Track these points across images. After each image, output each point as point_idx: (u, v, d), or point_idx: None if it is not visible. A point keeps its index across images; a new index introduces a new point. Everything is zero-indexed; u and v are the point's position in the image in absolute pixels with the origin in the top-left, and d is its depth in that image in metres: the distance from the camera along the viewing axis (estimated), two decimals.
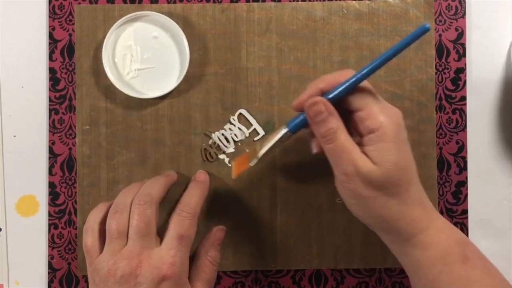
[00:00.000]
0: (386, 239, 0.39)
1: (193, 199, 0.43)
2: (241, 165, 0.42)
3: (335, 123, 0.36)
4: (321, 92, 0.38)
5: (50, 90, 0.48)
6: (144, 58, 0.47)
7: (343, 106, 0.37)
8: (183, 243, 0.40)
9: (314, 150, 0.41)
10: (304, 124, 0.38)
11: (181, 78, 0.46)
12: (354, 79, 0.36)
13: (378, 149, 0.36)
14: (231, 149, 0.48)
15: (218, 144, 0.48)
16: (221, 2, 0.49)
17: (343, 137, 0.36)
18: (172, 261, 0.39)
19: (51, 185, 0.48)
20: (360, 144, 0.37)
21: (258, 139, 0.48)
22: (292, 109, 0.39)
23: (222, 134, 0.48)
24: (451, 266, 0.36)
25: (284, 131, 0.39)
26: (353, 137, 0.37)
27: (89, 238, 0.41)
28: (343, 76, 0.37)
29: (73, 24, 0.48)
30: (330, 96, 0.37)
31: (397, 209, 0.37)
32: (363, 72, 0.36)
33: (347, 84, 0.37)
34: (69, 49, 0.48)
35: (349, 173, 0.36)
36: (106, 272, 0.38)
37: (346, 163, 0.36)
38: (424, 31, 0.36)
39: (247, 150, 0.48)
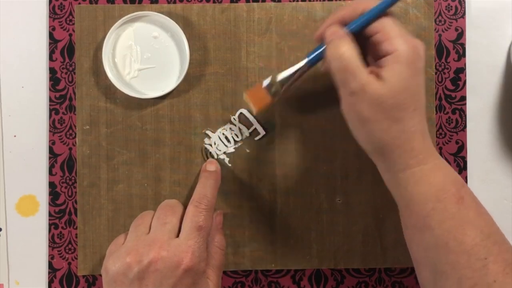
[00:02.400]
0: (382, 167, 0.39)
1: (208, 191, 0.44)
2: (260, 99, 0.41)
3: (343, 43, 0.37)
4: (341, 22, 0.38)
5: (50, 90, 0.48)
6: (144, 58, 0.47)
7: (362, 32, 0.38)
8: (201, 234, 0.41)
9: (323, 68, 0.42)
10: (322, 56, 0.39)
11: (181, 78, 0.46)
12: (374, 11, 0.37)
13: (391, 69, 0.36)
14: (231, 149, 0.48)
15: (218, 144, 0.48)
16: (221, 2, 0.49)
17: (351, 55, 0.36)
18: (192, 250, 0.40)
19: (51, 185, 0.48)
20: (375, 66, 0.37)
21: (259, 138, 0.48)
22: (314, 40, 0.40)
23: (223, 134, 0.48)
24: (445, 203, 0.36)
25: (305, 60, 0.40)
26: (370, 65, 0.38)
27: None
28: (364, 5, 0.38)
29: (73, 24, 0.48)
30: (351, 28, 0.38)
31: (397, 136, 0.36)
32: (384, 3, 0.37)
33: (366, 17, 0.37)
34: (69, 49, 0.48)
35: (354, 92, 0.36)
36: (127, 259, 0.39)
37: (352, 81, 0.36)
38: None
39: (247, 151, 0.48)
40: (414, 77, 0.36)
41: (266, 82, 0.41)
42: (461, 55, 0.49)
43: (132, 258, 0.39)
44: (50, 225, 0.49)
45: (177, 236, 0.41)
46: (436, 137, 0.49)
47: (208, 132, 0.48)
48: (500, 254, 0.35)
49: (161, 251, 0.39)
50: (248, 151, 0.48)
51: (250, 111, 0.47)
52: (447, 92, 0.49)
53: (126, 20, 0.46)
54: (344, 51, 0.36)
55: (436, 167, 0.37)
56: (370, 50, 0.39)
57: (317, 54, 0.40)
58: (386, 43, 0.37)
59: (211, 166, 0.46)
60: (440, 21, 0.49)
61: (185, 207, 0.44)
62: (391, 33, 0.37)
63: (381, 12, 0.37)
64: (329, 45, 0.37)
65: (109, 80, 0.47)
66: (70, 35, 0.48)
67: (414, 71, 0.36)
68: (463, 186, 0.37)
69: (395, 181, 0.38)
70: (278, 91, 0.41)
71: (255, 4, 0.48)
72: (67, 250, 0.49)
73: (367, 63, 0.37)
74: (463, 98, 0.49)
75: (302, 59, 0.40)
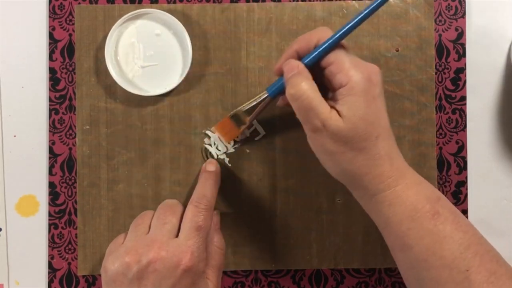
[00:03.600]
0: (355, 194, 0.40)
1: (208, 190, 0.44)
2: (228, 131, 0.45)
3: (303, 81, 0.37)
4: (298, 54, 0.39)
5: (50, 90, 0.48)
6: (147, 55, 0.47)
7: (318, 63, 0.38)
8: (200, 234, 0.41)
9: (278, 103, 0.43)
10: (282, 88, 0.40)
11: (183, 76, 0.46)
12: (327, 43, 0.38)
13: (346, 102, 0.36)
14: (231, 149, 0.48)
15: (218, 144, 0.48)
16: (221, 2, 0.49)
17: (312, 94, 0.37)
18: (191, 250, 0.40)
19: (51, 185, 0.48)
20: (332, 100, 0.38)
21: (259, 138, 0.48)
22: (274, 74, 0.41)
23: None
24: (420, 222, 0.36)
25: (264, 95, 0.42)
26: (329, 94, 0.39)
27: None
28: (317, 36, 0.38)
29: (73, 24, 0.48)
30: (306, 61, 0.38)
31: (363, 164, 0.37)
32: (337, 35, 0.38)
33: (319, 49, 0.38)
34: (69, 49, 0.48)
35: (317, 129, 0.37)
36: (126, 258, 0.39)
37: (314, 119, 0.37)
38: None
39: (247, 151, 0.48)
40: (370, 105, 0.37)
41: (231, 114, 0.44)
42: (461, 55, 0.49)
43: (132, 258, 0.39)
44: (50, 225, 0.49)
45: (177, 236, 0.41)
46: (436, 137, 0.49)
47: (208, 132, 0.48)
48: (482, 264, 0.35)
49: (161, 251, 0.39)
50: (248, 151, 0.48)
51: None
52: (447, 92, 0.49)
53: (128, 18, 0.46)
54: (305, 89, 0.37)
55: (406, 186, 0.37)
56: (326, 81, 0.39)
57: (277, 88, 0.41)
58: (340, 75, 0.37)
59: (211, 166, 0.46)
60: (440, 21, 0.49)
61: (185, 207, 0.44)
62: (344, 65, 0.37)
63: (335, 44, 0.38)
64: (288, 83, 0.38)
65: (109, 80, 0.47)
66: (70, 35, 0.48)
67: (369, 100, 0.36)
68: (438, 200, 0.37)
69: (370, 206, 0.39)
70: (244, 122, 0.44)
71: (255, 4, 0.48)
72: (67, 250, 0.49)
73: (324, 95, 0.38)
74: (463, 98, 0.49)
75: (262, 93, 0.42)
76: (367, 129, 0.36)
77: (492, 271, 0.35)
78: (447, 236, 0.36)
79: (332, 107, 0.37)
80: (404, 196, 0.37)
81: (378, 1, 0.37)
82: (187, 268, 0.39)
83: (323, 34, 0.38)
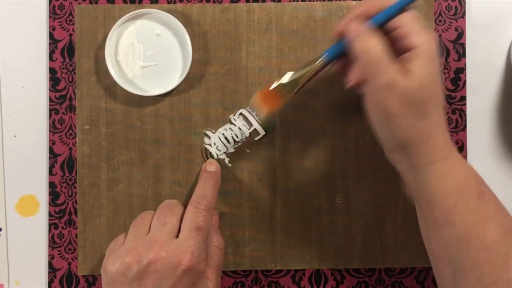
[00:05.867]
0: (404, 165, 0.39)
1: (208, 191, 0.44)
2: (271, 101, 0.41)
3: (372, 37, 0.36)
4: (363, 16, 0.38)
5: (50, 90, 0.48)
6: (147, 55, 0.47)
7: (381, 28, 0.38)
8: (200, 234, 0.41)
9: (351, 82, 0.38)
10: (344, 50, 0.38)
11: (184, 76, 0.46)
12: (396, 5, 0.37)
13: (417, 63, 0.36)
14: (231, 149, 0.48)
15: (218, 144, 0.48)
16: (221, 2, 0.49)
17: (381, 49, 0.36)
18: (191, 251, 0.40)
19: (51, 185, 0.48)
20: (405, 60, 0.37)
21: (259, 138, 0.48)
22: (333, 37, 0.39)
23: (223, 134, 0.48)
24: (466, 199, 0.36)
25: (322, 57, 0.39)
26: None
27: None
28: (383, 1, 0.38)
29: (73, 24, 0.48)
30: (374, 21, 0.37)
31: (423, 130, 0.36)
32: (403, 1, 0.37)
33: (389, 11, 0.37)
34: (69, 49, 0.48)
35: (386, 84, 0.36)
36: (126, 258, 0.39)
37: (384, 73, 0.36)
38: None
39: (247, 151, 0.48)
40: (437, 72, 0.37)
41: (276, 83, 0.40)
42: (461, 55, 0.49)
43: (132, 258, 0.39)
44: (50, 225, 0.49)
45: (177, 236, 0.41)
46: None
47: (208, 132, 0.48)
48: None
49: (161, 251, 0.39)
50: (248, 151, 0.48)
51: (251, 111, 0.46)
52: (447, 92, 0.49)
53: (128, 18, 0.46)
54: (373, 45, 0.36)
55: (458, 162, 0.37)
56: (392, 45, 0.38)
57: (337, 50, 0.39)
58: (409, 38, 0.36)
59: (211, 166, 0.46)
60: (440, 21, 0.49)
61: (185, 207, 0.44)
62: (412, 28, 0.37)
63: (403, 8, 0.37)
64: (356, 39, 0.37)
65: (109, 80, 0.47)
66: (70, 35, 0.48)
67: (436, 66, 0.36)
68: (482, 182, 0.38)
69: (418, 177, 0.38)
70: (289, 92, 0.40)
71: (255, 4, 0.48)
72: (67, 250, 0.49)
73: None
74: (463, 98, 0.49)
75: (314, 59, 0.40)
76: (433, 94, 0.36)
77: None
78: (490, 217, 0.36)
79: (399, 67, 0.36)
80: (454, 171, 0.37)
81: None
82: (187, 268, 0.39)
83: (388, 0, 0.38)
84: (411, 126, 0.36)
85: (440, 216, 0.37)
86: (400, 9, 0.37)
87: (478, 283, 0.35)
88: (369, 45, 0.36)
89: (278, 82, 0.40)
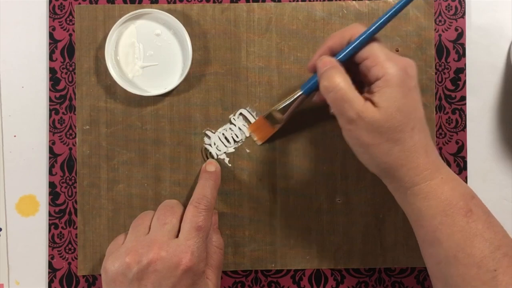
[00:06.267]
0: (390, 187, 0.40)
1: (208, 191, 0.44)
2: (263, 131, 0.46)
3: (336, 74, 0.37)
4: (331, 51, 0.39)
5: (50, 90, 0.48)
6: (147, 55, 0.47)
7: (352, 59, 0.39)
8: (200, 234, 0.41)
9: (315, 98, 0.43)
10: (316, 85, 0.40)
11: (184, 75, 0.46)
12: (360, 38, 0.38)
13: (383, 94, 0.37)
14: (231, 149, 0.48)
15: (218, 144, 0.48)
16: (221, 2, 0.49)
17: (346, 86, 0.37)
18: (191, 251, 0.40)
19: (51, 185, 0.48)
20: (367, 93, 0.38)
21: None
22: (308, 71, 0.42)
23: (223, 134, 0.48)
24: (453, 217, 0.36)
25: (298, 93, 0.42)
26: (364, 89, 0.39)
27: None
28: (351, 32, 0.39)
29: (73, 24, 0.48)
30: (340, 57, 0.39)
31: (399, 156, 0.37)
32: (371, 30, 0.38)
33: (353, 45, 0.38)
34: (69, 49, 0.48)
35: (352, 120, 0.37)
36: (126, 259, 0.39)
37: (349, 110, 0.37)
38: None
39: (248, 151, 0.48)
40: (406, 97, 0.37)
41: (266, 113, 0.45)
42: (461, 55, 0.49)
43: (131, 258, 0.39)
44: (50, 225, 0.49)
45: (177, 236, 0.41)
46: (436, 137, 0.49)
47: (208, 132, 0.48)
48: (511, 265, 0.35)
49: (161, 251, 0.39)
50: (248, 151, 0.48)
51: (251, 111, 0.48)
52: (447, 92, 0.49)
53: (128, 18, 0.46)
54: (338, 82, 0.37)
55: (442, 181, 0.37)
56: (361, 76, 0.39)
57: (312, 84, 0.41)
58: (376, 68, 0.37)
59: (211, 166, 0.46)
60: (440, 21, 0.49)
61: (185, 207, 0.44)
62: (379, 58, 0.37)
63: (368, 38, 0.38)
64: (322, 77, 0.38)
65: (109, 80, 0.47)
66: (70, 35, 0.48)
67: (405, 91, 0.37)
68: (472, 198, 0.38)
69: (404, 198, 0.39)
70: (279, 120, 0.45)
71: (255, 4, 0.48)
72: (67, 250, 0.49)
73: (359, 89, 0.38)
74: (463, 98, 0.49)
75: (296, 91, 0.43)
76: (403, 120, 0.36)
77: None
78: (478, 234, 0.36)
79: (367, 99, 0.37)
80: (439, 190, 0.37)
81: None
82: (187, 268, 0.39)
83: (356, 30, 0.38)
84: (387, 153, 0.37)
85: (428, 235, 0.38)
86: (366, 40, 0.38)
87: None
88: (333, 83, 0.37)
89: (266, 113, 0.45)
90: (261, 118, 0.46)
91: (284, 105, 0.43)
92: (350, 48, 0.39)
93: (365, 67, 0.38)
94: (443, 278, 0.37)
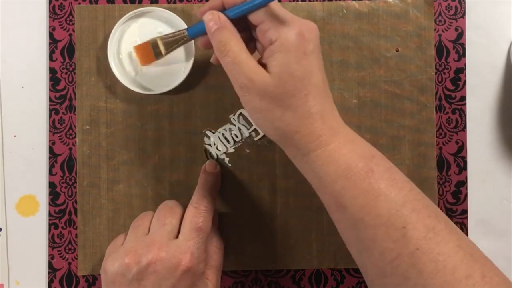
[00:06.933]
0: (288, 154, 0.39)
1: (208, 192, 0.44)
2: (146, 56, 0.43)
3: (228, 35, 0.36)
4: (222, 5, 0.37)
5: (50, 90, 0.48)
6: None
7: (247, 20, 0.37)
8: (200, 235, 0.41)
9: (212, 60, 0.41)
10: (202, 32, 0.39)
11: (186, 74, 0.46)
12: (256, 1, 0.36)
13: (275, 59, 0.36)
14: (231, 149, 0.48)
15: (218, 144, 0.48)
16: None
17: (237, 50, 0.36)
18: (191, 251, 0.40)
19: (51, 185, 0.48)
20: (263, 58, 0.37)
21: (259, 138, 0.48)
22: (198, 16, 0.39)
23: (222, 134, 0.48)
24: (353, 180, 0.35)
25: (184, 33, 0.41)
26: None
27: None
28: None
29: (73, 24, 0.48)
30: (231, 13, 0.37)
31: (292, 122, 0.36)
32: None
33: (248, 5, 0.36)
34: (69, 49, 0.48)
35: (244, 86, 0.36)
36: (125, 259, 0.39)
37: (240, 75, 0.36)
38: None
39: (247, 151, 0.48)
40: (300, 61, 0.36)
41: (152, 41, 0.42)
42: (461, 55, 0.49)
43: (131, 259, 0.39)
44: (50, 225, 0.49)
45: (177, 237, 0.41)
46: (436, 137, 0.49)
47: (208, 132, 0.48)
48: (420, 220, 0.34)
49: (160, 252, 0.39)
50: (248, 151, 0.48)
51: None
52: (447, 92, 0.49)
53: (130, 16, 0.46)
54: (231, 45, 0.36)
55: (339, 145, 0.36)
56: (258, 40, 0.38)
57: (198, 30, 0.40)
58: (270, 32, 0.36)
59: (211, 167, 0.46)
60: (440, 21, 0.49)
61: (185, 208, 0.44)
62: (274, 21, 0.36)
63: (263, 2, 0.36)
64: (212, 37, 0.37)
65: (110, 80, 0.47)
66: (70, 35, 0.48)
67: (299, 56, 0.35)
68: (373, 158, 0.36)
69: (302, 165, 0.38)
70: (161, 53, 0.42)
71: None
72: (67, 250, 0.49)
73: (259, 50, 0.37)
74: (463, 98, 0.49)
75: (182, 30, 0.41)
76: (295, 86, 0.35)
77: (431, 227, 0.34)
78: (382, 194, 0.35)
79: (261, 63, 0.36)
80: (336, 155, 0.36)
81: None
82: (186, 269, 0.39)
83: None
84: (279, 119, 0.36)
85: (332, 201, 0.37)
86: (261, 4, 0.36)
87: (381, 260, 0.35)
88: (224, 45, 0.36)
89: (152, 39, 0.42)
90: (146, 43, 0.43)
91: (168, 39, 0.41)
92: (242, 8, 0.36)
93: (260, 30, 0.37)
94: (355, 242, 0.37)
